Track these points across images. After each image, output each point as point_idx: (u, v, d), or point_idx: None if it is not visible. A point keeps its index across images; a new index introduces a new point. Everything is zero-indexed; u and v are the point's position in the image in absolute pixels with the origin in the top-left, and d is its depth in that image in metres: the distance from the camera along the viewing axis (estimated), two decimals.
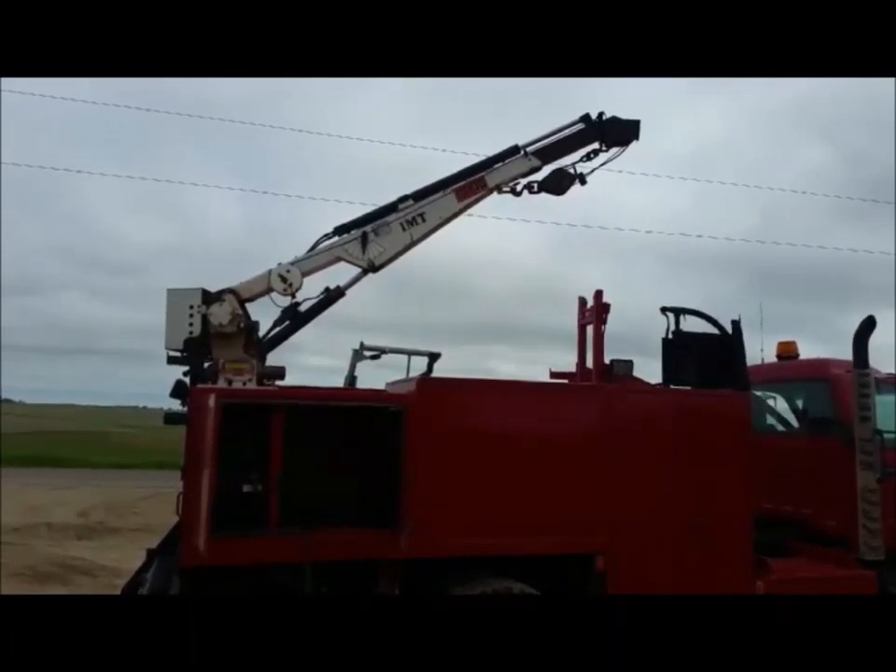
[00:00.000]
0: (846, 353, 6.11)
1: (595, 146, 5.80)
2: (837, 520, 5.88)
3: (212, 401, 4.19)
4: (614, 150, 5.85)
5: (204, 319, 4.81)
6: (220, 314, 4.82)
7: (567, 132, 5.77)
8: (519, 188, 5.73)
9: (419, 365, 6.91)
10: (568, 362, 6.32)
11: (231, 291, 4.94)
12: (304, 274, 5.17)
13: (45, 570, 9.99)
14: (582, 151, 5.79)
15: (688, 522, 5.04)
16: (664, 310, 5.56)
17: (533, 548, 4.69)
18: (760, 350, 7.34)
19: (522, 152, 5.65)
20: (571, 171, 5.76)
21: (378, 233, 5.34)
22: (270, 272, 5.08)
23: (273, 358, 5.18)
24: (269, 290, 5.10)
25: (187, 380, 4.78)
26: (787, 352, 7.05)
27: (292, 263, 5.16)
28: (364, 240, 5.30)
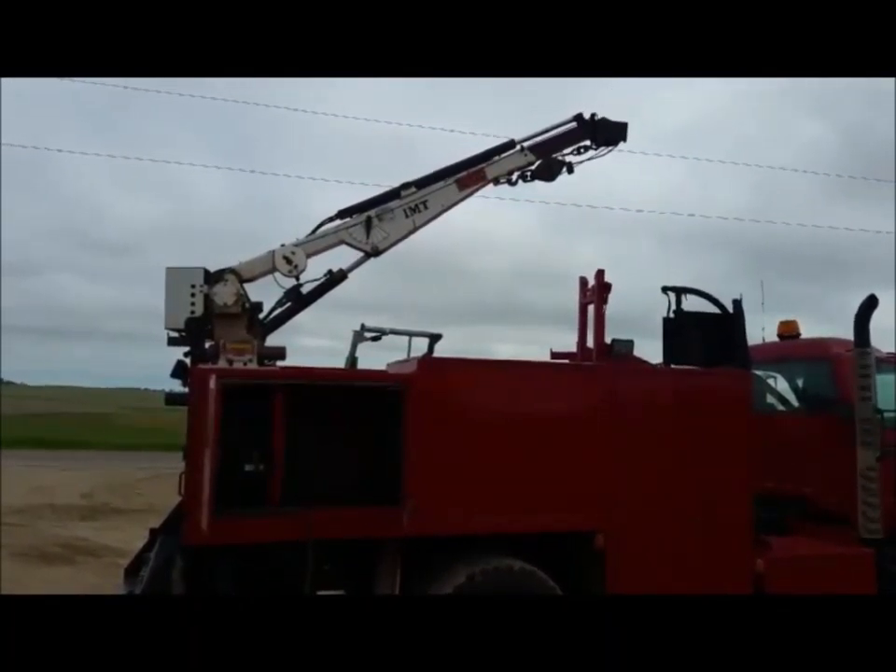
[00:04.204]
0: (845, 332, 6.11)
1: (587, 142, 6.05)
2: (838, 498, 5.90)
3: (212, 382, 4.19)
4: (603, 149, 6.11)
5: (206, 299, 4.79)
6: (224, 294, 4.81)
7: (560, 129, 6.01)
8: (514, 178, 5.97)
9: (420, 346, 6.90)
10: (567, 343, 6.35)
11: (231, 271, 4.93)
12: (308, 256, 5.18)
13: (50, 551, 10.09)
14: (574, 145, 6.06)
15: (688, 500, 5.06)
16: (664, 289, 5.55)
17: (532, 525, 4.71)
18: (761, 329, 7.34)
19: (518, 147, 5.87)
20: (561, 159, 6.02)
21: (382, 219, 5.42)
22: (273, 252, 5.08)
23: (272, 340, 5.18)
24: (271, 271, 5.10)
25: (187, 360, 4.78)
26: (788, 331, 7.05)
27: (296, 245, 5.17)
28: (368, 225, 5.37)
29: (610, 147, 6.10)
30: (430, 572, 4.63)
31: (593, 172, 6.25)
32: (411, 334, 6.92)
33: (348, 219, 5.42)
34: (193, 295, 4.77)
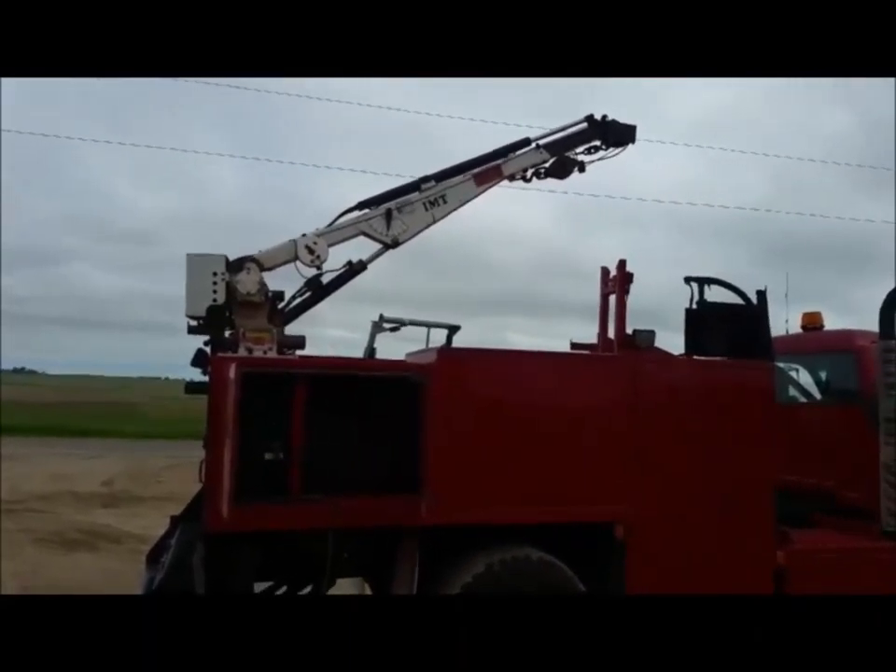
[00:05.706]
0: (870, 325, 6.02)
1: (597, 143, 6.25)
2: (860, 492, 5.84)
3: (232, 370, 4.21)
4: (613, 149, 6.31)
5: (228, 287, 4.80)
6: (248, 282, 4.83)
7: (573, 129, 6.19)
8: (528, 174, 6.13)
9: (438, 337, 6.89)
10: (584, 334, 6.36)
11: (252, 260, 4.93)
12: (329, 246, 5.20)
13: (72, 537, 10.24)
14: (585, 145, 6.26)
15: (709, 491, 5.02)
16: (687, 280, 5.49)
17: (552, 516, 4.70)
18: (785, 321, 7.26)
19: (534, 145, 6.04)
20: (574, 158, 6.22)
21: (401, 211, 5.50)
22: (295, 242, 5.11)
23: (290, 330, 5.20)
24: (293, 260, 5.12)
25: (207, 349, 4.80)
26: (812, 323, 6.96)
27: (317, 235, 5.19)
28: (388, 217, 5.44)
29: (620, 148, 6.31)
30: (449, 561, 4.63)
31: (611, 162, 6.37)
32: (429, 325, 6.92)
33: (367, 211, 5.45)
34: (215, 283, 4.77)
